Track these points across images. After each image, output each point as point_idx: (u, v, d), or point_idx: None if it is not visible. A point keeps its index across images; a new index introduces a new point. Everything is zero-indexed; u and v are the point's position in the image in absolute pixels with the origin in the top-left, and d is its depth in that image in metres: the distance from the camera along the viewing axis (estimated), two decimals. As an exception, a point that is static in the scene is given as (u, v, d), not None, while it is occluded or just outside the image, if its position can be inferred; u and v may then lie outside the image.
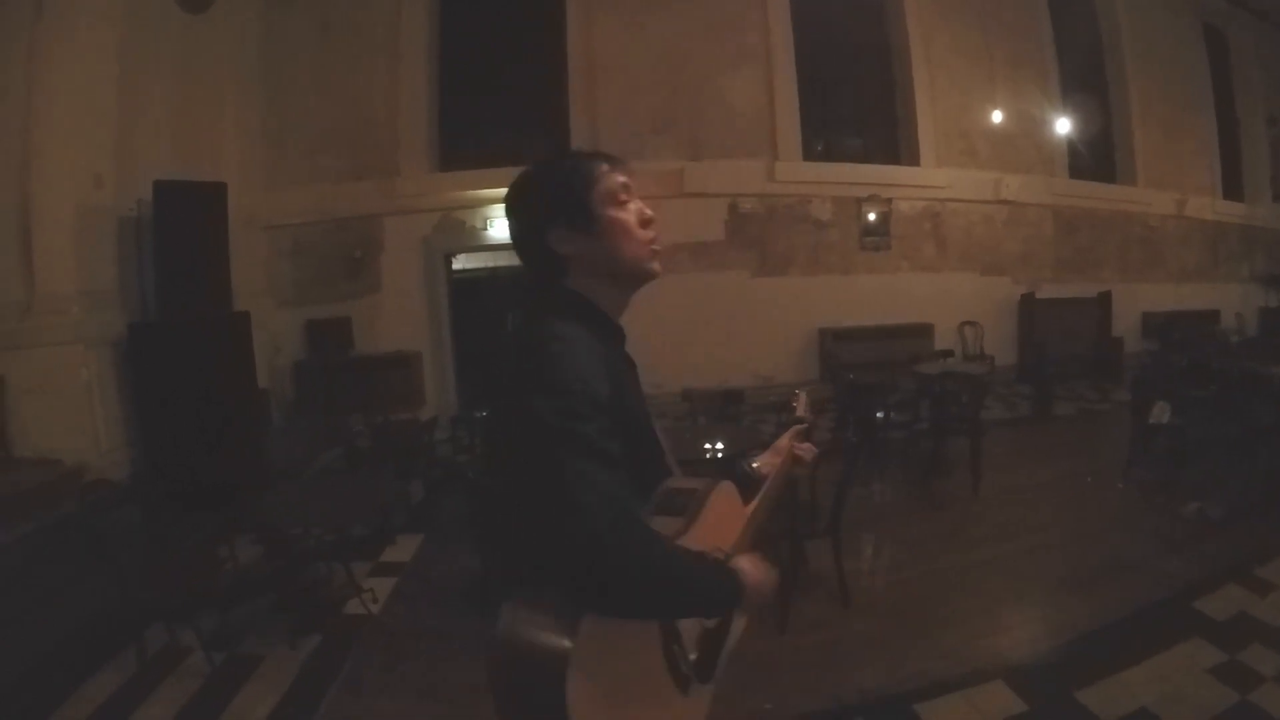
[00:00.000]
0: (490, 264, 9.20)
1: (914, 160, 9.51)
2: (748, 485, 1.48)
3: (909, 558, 4.28)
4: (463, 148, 8.86)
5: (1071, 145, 10.16)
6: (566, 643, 0.95)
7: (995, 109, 9.44)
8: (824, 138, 9.67)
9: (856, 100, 9.85)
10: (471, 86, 8.95)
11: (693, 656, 1.21)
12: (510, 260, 8.90)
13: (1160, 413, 5.08)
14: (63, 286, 5.66)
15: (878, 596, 3.81)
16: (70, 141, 5.71)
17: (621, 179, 1.26)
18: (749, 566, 1.22)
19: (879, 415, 6.42)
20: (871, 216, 9.37)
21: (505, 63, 9.02)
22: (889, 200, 9.38)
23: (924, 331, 9.24)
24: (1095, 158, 10.57)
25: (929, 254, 9.66)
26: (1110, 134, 10.74)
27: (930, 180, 9.49)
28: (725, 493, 1.31)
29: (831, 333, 9.09)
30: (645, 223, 1.27)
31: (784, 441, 1.66)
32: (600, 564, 0.95)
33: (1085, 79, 10.48)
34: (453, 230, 8.62)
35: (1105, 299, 9.86)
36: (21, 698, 3.12)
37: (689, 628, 1.21)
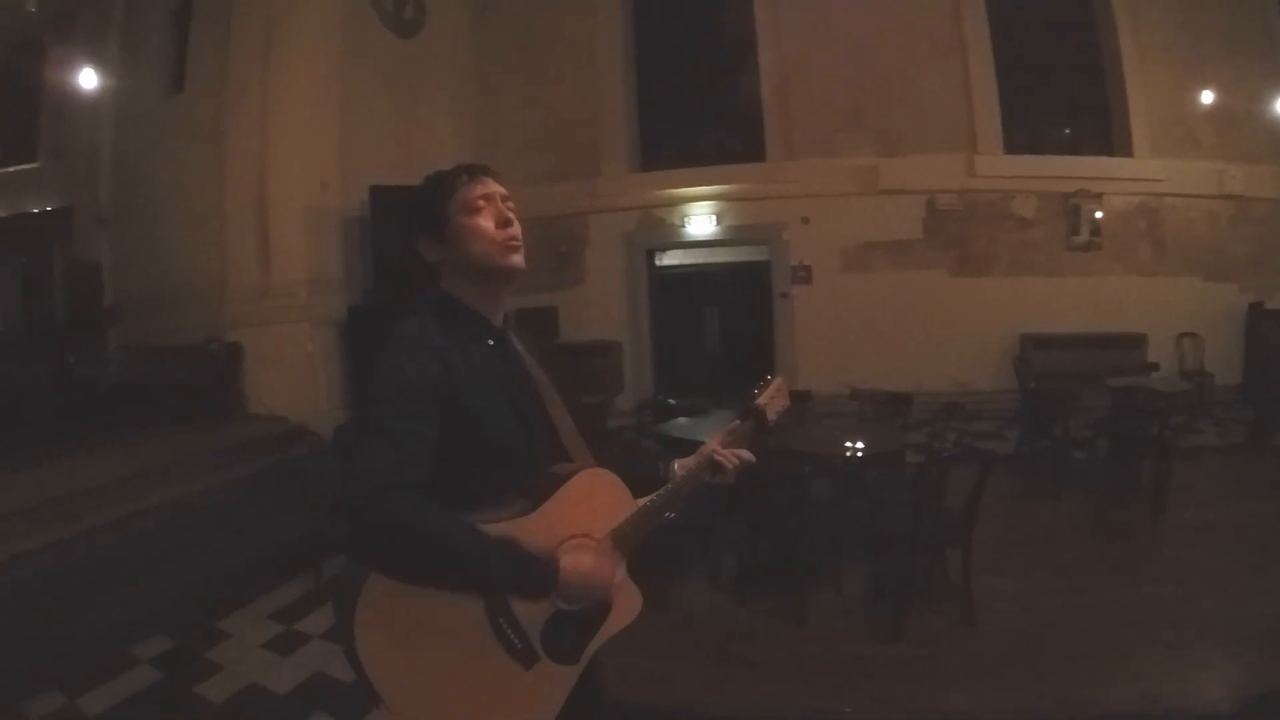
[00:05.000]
0: (703, 260, 9.53)
1: (1126, 151, 8.63)
2: (657, 484, 1.46)
3: (1056, 586, 3.98)
4: (661, 149, 9.35)
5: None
6: (356, 587, 1.14)
7: (1217, 90, 8.31)
8: (1027, 128, 9.02)
9: (1061, 86, 9.07)
10: (667, 91, 9.41)
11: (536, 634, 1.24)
12: (719, 258, 9.34)
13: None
14: (294, 275, 6.87)
15: (1007, 620, 3.59)
16: (300, 153, 6.87)
17: (479, 189, 1.40)
18: (571, 566, 1.24)
19: (1056, 430, 5.94)
20: (1093, 214, 8.66)
21: (699, 66, 9.41)
22: (1099, 196, 8.61)
23: (1136, 342, 8.44)
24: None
25: (1144, 256, 8.74)
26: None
27: (1145, 173, 8.56)
28: (591, 480, 1.35)
29: (1034, 339, 8.51)
30: (503, 224, 1.40)
31: (709, 445, 1.54)
32: (359, 523, 1.13)
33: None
34: (653, 227, 9.15)
35: (1351, 313, 8.27)
36: (222, 595, 4.02)
37: (531, 606, 1.24)
